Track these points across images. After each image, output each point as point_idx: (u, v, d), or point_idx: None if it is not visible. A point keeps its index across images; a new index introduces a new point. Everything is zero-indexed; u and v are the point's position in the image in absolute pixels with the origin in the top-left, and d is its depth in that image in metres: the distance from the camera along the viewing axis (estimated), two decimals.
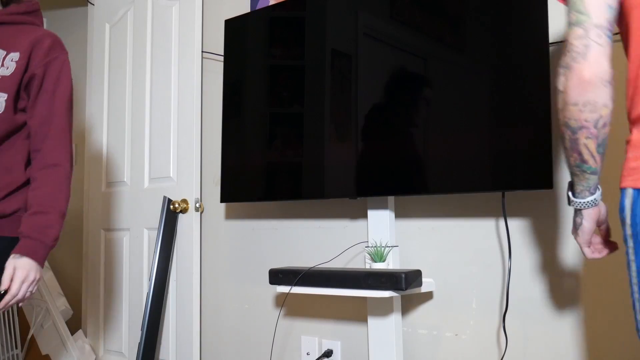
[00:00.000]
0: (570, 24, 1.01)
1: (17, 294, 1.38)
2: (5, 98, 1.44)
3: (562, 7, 1.69)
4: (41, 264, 1.43)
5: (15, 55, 1.47)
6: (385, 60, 1.85)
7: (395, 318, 1.83)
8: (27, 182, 1.50)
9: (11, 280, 1.38)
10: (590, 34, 0.99)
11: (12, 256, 1.40)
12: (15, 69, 1.46)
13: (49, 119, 1.48)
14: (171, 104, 2.51)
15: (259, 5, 2.39)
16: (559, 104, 1.05)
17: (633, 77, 1.03)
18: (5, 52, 1.47)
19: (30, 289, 1.40)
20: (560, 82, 1.04)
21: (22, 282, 1.38)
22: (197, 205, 2.42)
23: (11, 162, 1.48)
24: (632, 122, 1.04)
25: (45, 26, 3.61)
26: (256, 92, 2.17)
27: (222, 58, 2.38)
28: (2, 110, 1.44)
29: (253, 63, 2.20)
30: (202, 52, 2.51)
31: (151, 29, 2.64)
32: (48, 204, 1.43)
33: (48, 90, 1.49)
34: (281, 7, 2.14)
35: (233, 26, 2.27)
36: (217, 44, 2.49)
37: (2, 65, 1.46)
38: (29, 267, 1.39)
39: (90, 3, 3.10)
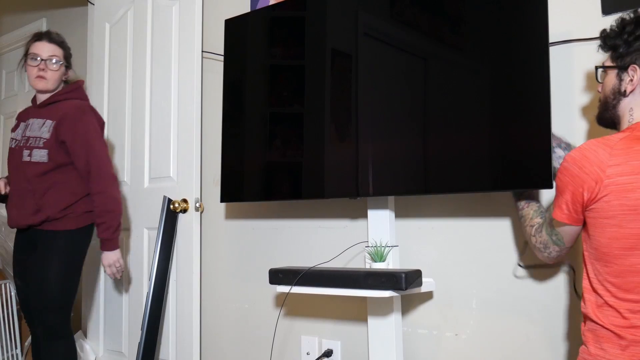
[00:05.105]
0: (550, 236, 1.40)
1: (111, 274, 2.30)
2: (47, 152, 2.18)
3: (561, 6, 1.69)
4: (113, 248, 2.26)
5: (49, 123, 2.21)
6: (385, 60, 1.85)
7: (395, 318, 1.83)
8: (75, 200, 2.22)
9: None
10: (562, 253, 1.43)
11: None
12: (50, 135, 2.19)
13: (86, 167, 2.20)
14: (171, 104, 2.51)
15: (259, 5, 2.39)
16: (528, 234, 1.51)
17: None
18: (50, 122, 2.21)
19: (117, 267, 2.29)
20: (528, 234, 1.50)
21: (109, 266, 2.28)
22: (197, 205, 2.42)
23: (62, 189, 2.21)
24: None
25: (45, 26, 3.63)
26: (256, 92, 2.17)
27: (222, 58, 2.38)
28: (46, 160, 2.19)
29: (253, 63, 2.20)
30: (202, 52, 2.51)
31: (151, 29, 2.64)
32: (102, 216, 2.21)
33: (79, 153, 2.19)
34: (281, 6, 2.13)
35: (233, 26, 2.27)
36: (217, 43, 2.49)
37: (48, 131, 2.19)
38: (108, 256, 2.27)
39: (90, 3, 3.10)
